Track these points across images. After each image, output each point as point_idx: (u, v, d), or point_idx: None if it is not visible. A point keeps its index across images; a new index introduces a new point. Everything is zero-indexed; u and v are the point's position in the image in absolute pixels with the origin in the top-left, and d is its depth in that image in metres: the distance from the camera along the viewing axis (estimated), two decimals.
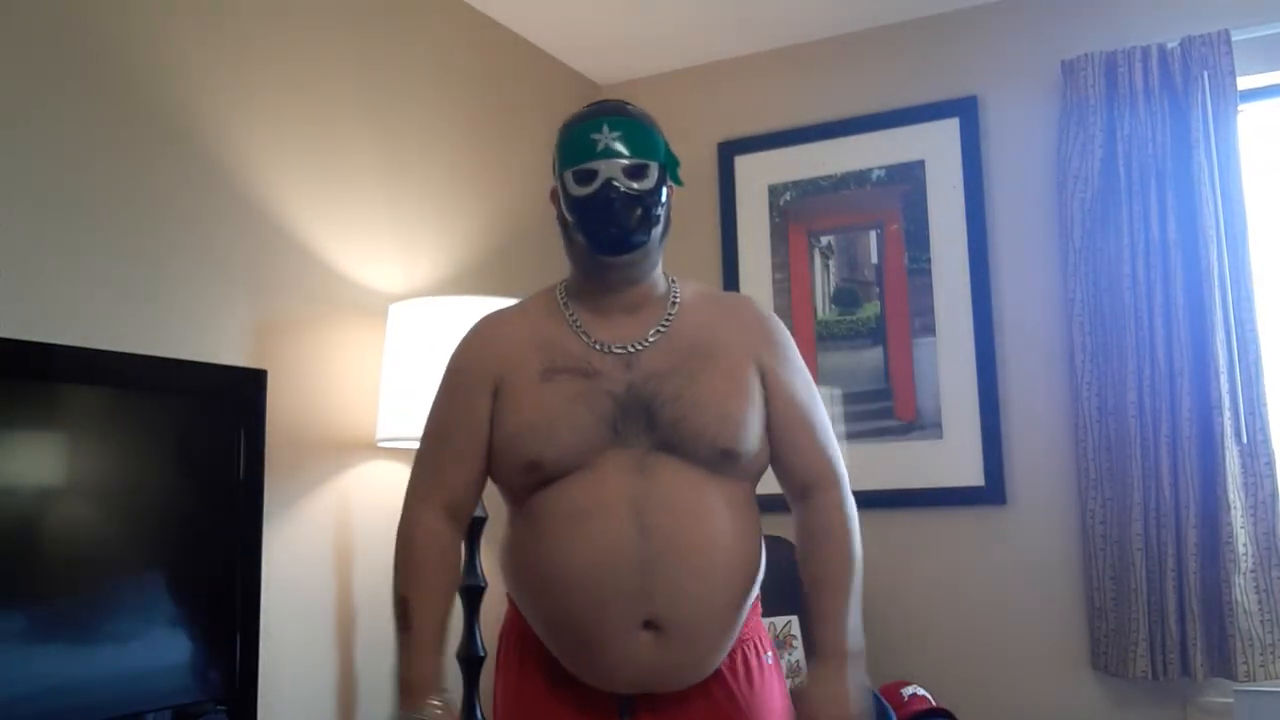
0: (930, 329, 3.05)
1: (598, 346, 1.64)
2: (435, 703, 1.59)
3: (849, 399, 3.10)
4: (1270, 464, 2.57)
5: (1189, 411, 2.61)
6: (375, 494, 2.49)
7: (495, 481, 1.70)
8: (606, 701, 1.60)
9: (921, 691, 2.59)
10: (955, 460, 2.97)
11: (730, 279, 3.30)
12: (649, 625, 1.54)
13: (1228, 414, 2.58)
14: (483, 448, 1.66)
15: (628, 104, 1.69)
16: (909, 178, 3.12)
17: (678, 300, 1.70)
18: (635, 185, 1.60)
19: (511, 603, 1.72)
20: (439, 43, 2.86)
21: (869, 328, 3.12)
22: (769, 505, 1.73)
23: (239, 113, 2.25)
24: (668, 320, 1.67)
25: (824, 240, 3.20)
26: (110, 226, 1.98)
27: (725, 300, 1.81)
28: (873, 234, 3.15)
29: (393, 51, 2.70)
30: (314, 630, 2.31)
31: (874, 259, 3.14)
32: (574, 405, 1.59)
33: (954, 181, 3.06)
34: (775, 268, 3.25)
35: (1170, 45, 2.76)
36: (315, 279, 2.40)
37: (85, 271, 1.93)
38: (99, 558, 1.74)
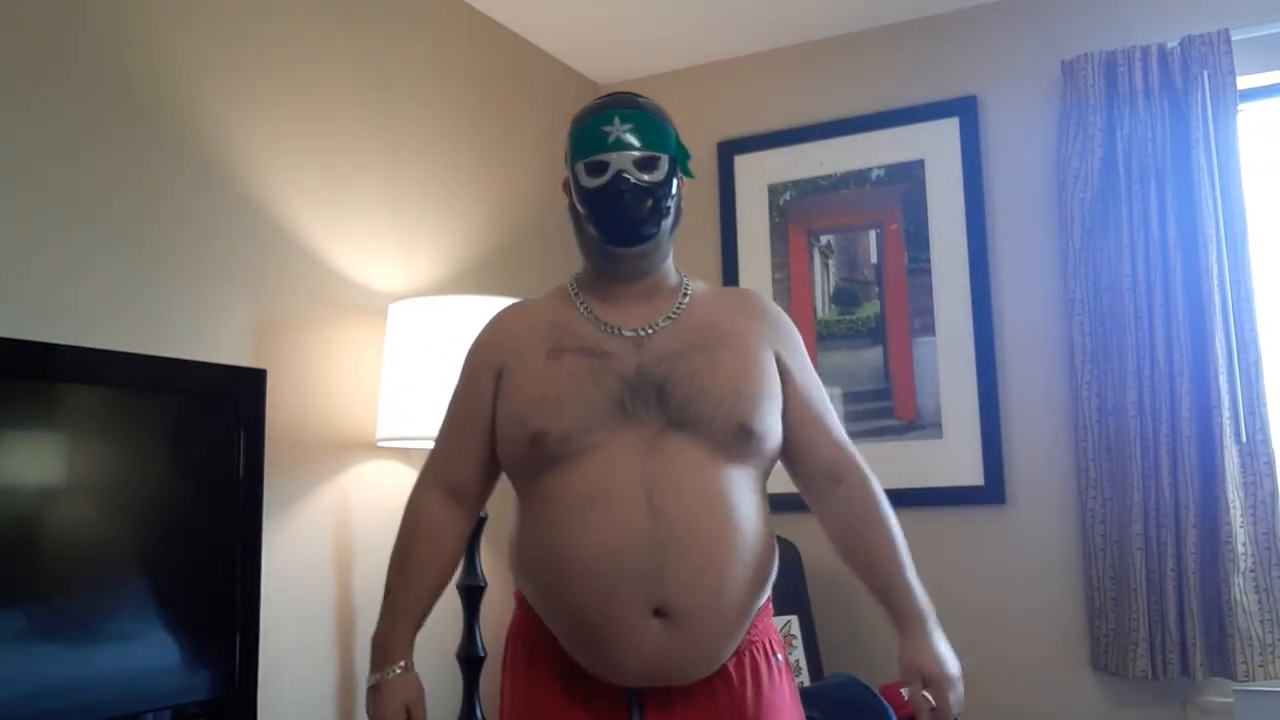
0: (930, 329, 3.05)
1: (607, 329, 1.67)
2: (396, 668, 1.67)
3: (849, 399, 3.10)
4: (1270, 464, 2.58)
5: (1188, 411, 2.61)
6: (375, 494, 2.49)
7: (503, 466, 1.70)
8: (616, 699, 1.59)
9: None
10: (955, 460, 2.98)
11: (730, 279, 3.30)
12: (659, 613, 1.53)
13: (1227, 414, 2.58)
14: (486, 428, 1.69)
15: (640, 96, 1.71)
16: (909, 177, 3.12)
17: (689, 293, 1.73)
18: (646, 177, 1.62)
19: (520, 603, 1.71)
20: (439, 43, 2.86)
21: (869, 327, 3.12)
22: (771, 505, 1.72)
23: (239, 112, 2.25)
24: (679, 309, 1.70)
25: (824, 240, 3.21)
26: (110, 226, 1.98)
27: (734, 293, 1.84)
28: (872, 234, 3.15)
29: (393, 51, 2.70)
30: (314, 630, 2.31)
31: (874, 259, 3.14)
32: (580, 382, 1.61)
33: (954, 181, 3.06)
34: (775, 267, 3.25)
35: (1170, 45, 2.76)
36: (315, 279, 2.40)
37: (85, 271, 1.93)
38: (99, 558, 1.74)
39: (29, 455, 1.68)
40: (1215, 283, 2.62)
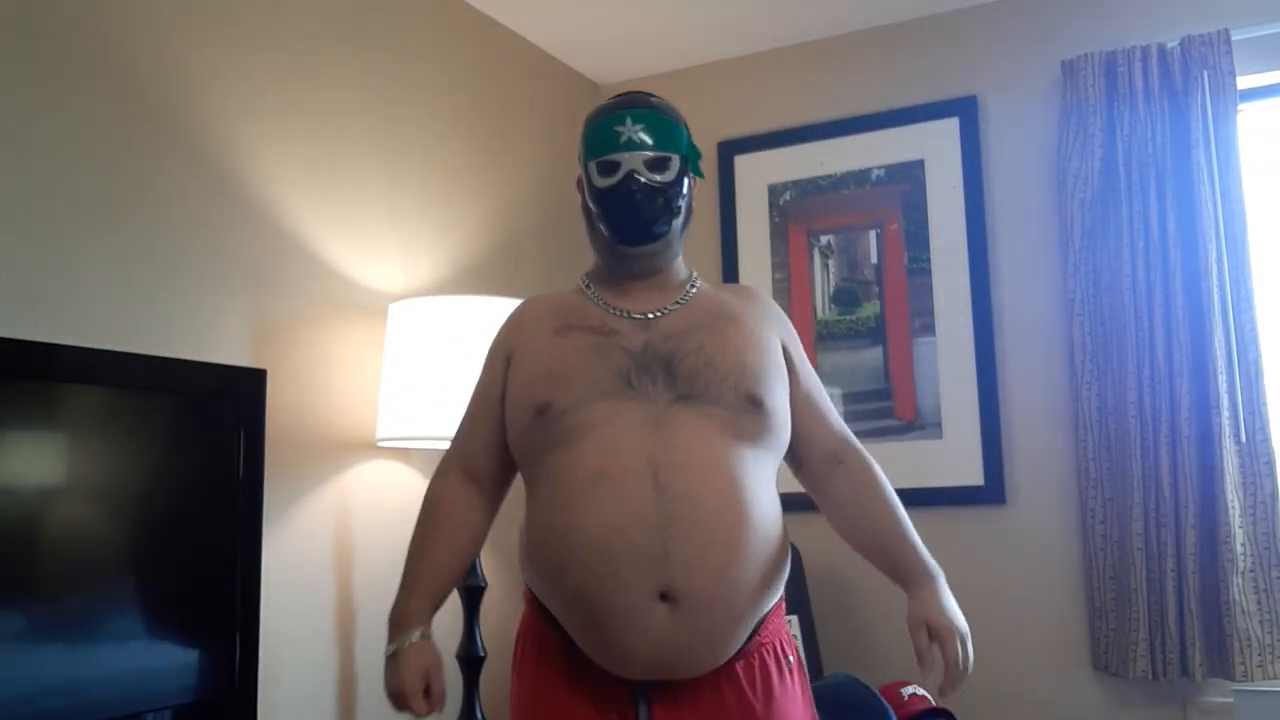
0: (930, 329, 3.05)
1: (616, 312, 1.69)
2: (413, 635, 1.65)
3: (849, 399, 3.10)
4: (1270, 464, 2.58)
5: (1188, 411, 2.61)
6: (375, 494, 2.49)
7: (512, 448, 1.70)
8: (622, 694, 1.59)
9: (921, 691, 2.59)
10: (955, 460, 2.97)
11: (730, 279, 3.30)
12: (665, 598, 1.52)
13: (1227, 414, 2.58)
14: (498, 412, 1.71)
15: (652, 96, 1.73)
16: (909, 177, 3.12)
17: (696, 285, 1.76)
18: (657, 178, 1.65)
19: (528, 602, 1.71)
20: (439, 43, 2.86)
21: (869, 327, 3.12)
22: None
23: (239, 112, 2.25)
24: (685, 296, 1.73)
25: (824, 240, 3.21)
26: (110, 226, 1.98)
27: (735, 287, 1.87)
28: (872, 234, 3.15)
29: (393, 51, 2.70)
30: (314, 630, 2.31)
31: (874, 259, 3.14)
32: (587, 358, 1.63)
33: (954, 181, 3.06)
34: (775, 267, 3.25)
35: (1170, 45, 2.76)
36: (315, 279, 2.40)
37: (85, 271, 1.93)
38: (99, 557, 1.74)
39: (29, 455, 1.68)
40: (1215, 283, 2.62)
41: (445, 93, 2.87)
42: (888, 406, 3.06)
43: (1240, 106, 2.71)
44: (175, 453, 1.88)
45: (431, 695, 1.65)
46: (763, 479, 1.62)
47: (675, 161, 1.66)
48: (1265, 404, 2.59)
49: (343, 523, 2.41)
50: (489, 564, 2.52)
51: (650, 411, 1.58)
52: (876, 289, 3.13)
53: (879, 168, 3.16)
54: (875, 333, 3.11)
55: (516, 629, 1.74)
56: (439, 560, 1.72)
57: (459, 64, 2.93)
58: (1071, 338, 2.81)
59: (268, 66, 2.34)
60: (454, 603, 2.37)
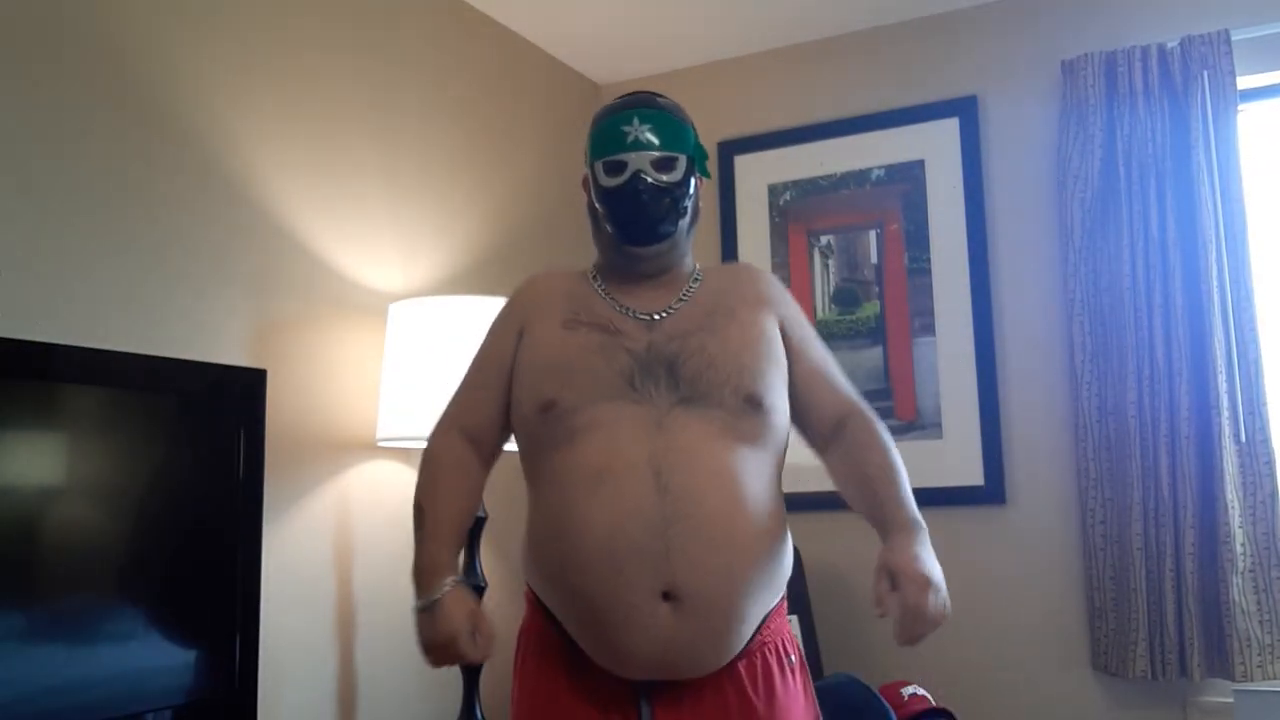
0: (930, 329, 3.05)
1: (621, 310, 1.69)
2: (447, 583, 1.59)
3: None
4: (1269, 464, 2.58)
5: (1188, 411, 2.61)
6: (375, 494, 2.49)
7: (517, 439, 1.71)
8: (625, 697, 1.59)
9: (921, 691, 2.59)
10: (955, 460, 2.98)
11: None
12: (667, 597, 1.52)
13: (1226, 414, 2.58)
14: (505, 381, 1.71)
15: (659, 96, 1.73)
16: (909, 177, 3.12)
17: (699, 278, 1.76)
18: (664, 178, 1.65)
19: (530, 602, 1.71)
20: (439, 43, 2.86)
21: (869, 327, 3.12)
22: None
23: (239, 112, 2.25)
24: (688, 292, 1.73)
25: (824, 240, 3.21)
26: (110, 226, 1.98)
27: (732, 266, 1.88)
28: (872, 234, 3.15)
29: (393, 51, 2.70)
30: (314, 630, 2.31)
31: (874, 259, 3.14)
32: (592, 356, 1.63)
33: (954, 181, 3.06)
34: (775, 267, 3.25)
35: (1170, 45, 2.76)
36: (315, 279, 2.40)
37: (85, 271, 1.93)
38: (99, 557, 1.74)
39: (29, 455, 1.68)
40: (1215, 283, 2.62)
41: (445, 92, 2.87)
42: (888, 406, 3.06)
43: (1240, 107, 2.71)
44: (175, 453, 1.88)
45: (482, 635, 1.58)
46: (764, 479, 1.62)
47: (682, 161, 1.67)
48: (1265, 404, 2.59)
49: (343, 523, 2.41)
50: (489, 564, 2.52)
51: (652, 415, 1.58)
52: (876, 289, 3.13)
53: (879, 168, 3.16)
54: (875, 333, 3.11)
55: (517, 629, 1.74)
56: (454, 508, 1.70)
57: (459, 64, 2.93)
58: (1071, 338, 2.81)
59: (269, 68, 2.34)
60: None
